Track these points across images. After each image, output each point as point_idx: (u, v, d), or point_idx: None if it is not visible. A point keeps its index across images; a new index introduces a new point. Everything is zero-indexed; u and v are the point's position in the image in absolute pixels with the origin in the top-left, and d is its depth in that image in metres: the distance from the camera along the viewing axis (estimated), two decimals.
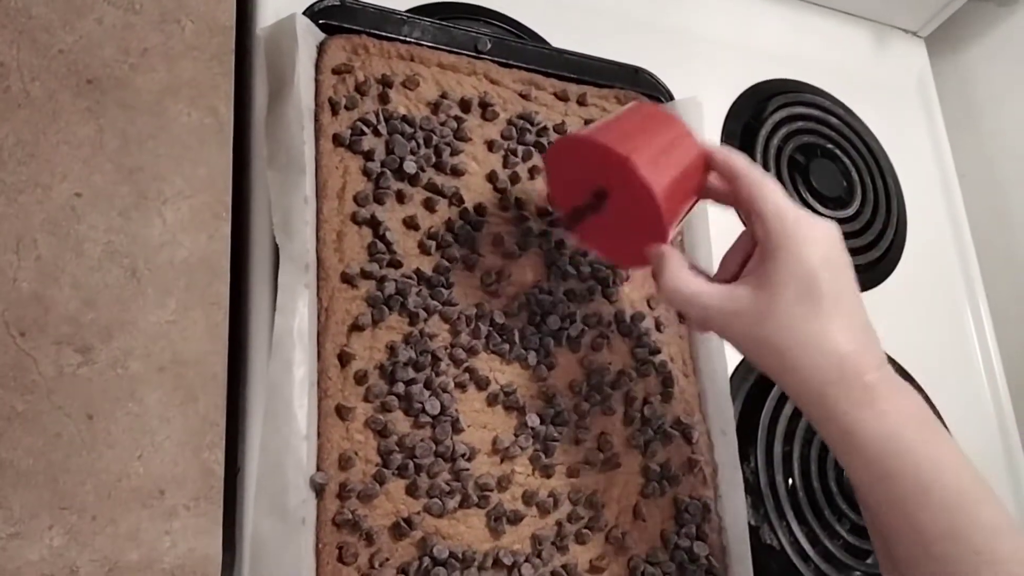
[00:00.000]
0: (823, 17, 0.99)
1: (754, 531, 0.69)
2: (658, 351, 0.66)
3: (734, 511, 0.65)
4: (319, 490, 0.53)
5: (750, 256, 0.56)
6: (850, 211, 0.89)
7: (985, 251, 0.97)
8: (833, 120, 0.92)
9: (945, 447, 0.50)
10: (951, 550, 0.47)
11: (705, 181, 0.56)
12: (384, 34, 0.64)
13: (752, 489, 0.70)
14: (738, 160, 0.54)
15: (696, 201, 0.57)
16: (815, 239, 0.51)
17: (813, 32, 0.98)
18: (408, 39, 0.65)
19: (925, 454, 0.49)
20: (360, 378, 0.56)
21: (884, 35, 1.03)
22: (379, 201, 0.60)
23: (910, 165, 0.97)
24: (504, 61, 0.68)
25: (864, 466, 0.50)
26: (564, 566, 0.58)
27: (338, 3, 0.63)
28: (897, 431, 0.49)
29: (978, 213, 0.99)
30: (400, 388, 0.57)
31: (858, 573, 0.73)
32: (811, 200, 0.87)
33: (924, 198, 0.96)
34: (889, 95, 1.00)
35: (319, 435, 0.54)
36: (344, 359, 0.56)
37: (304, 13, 0.61)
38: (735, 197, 0.54)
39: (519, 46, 0.70)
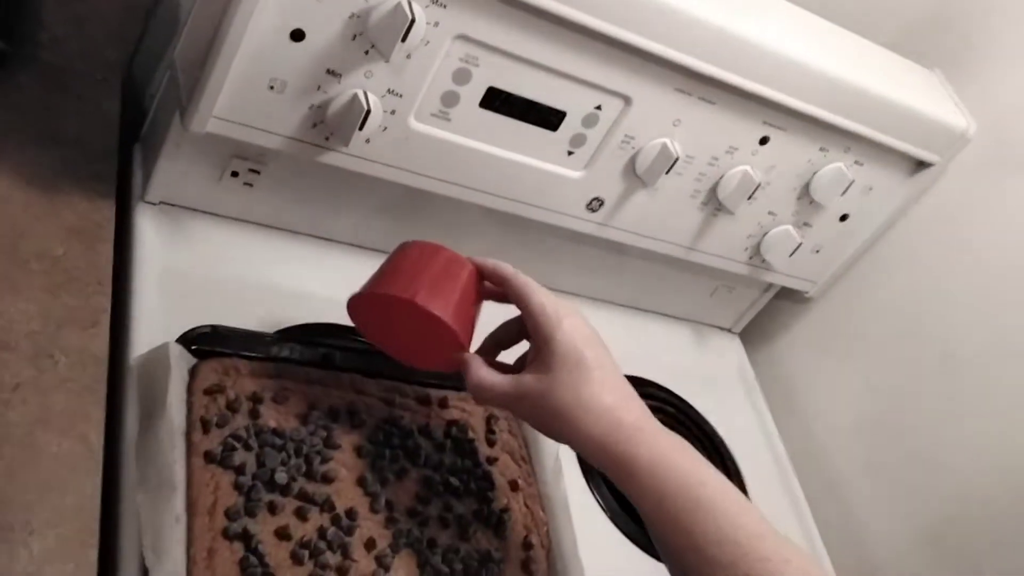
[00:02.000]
0: (650, 320, 1.10)
1: None
2: None
3: None
4: None
5: (519, 333, 0.68)
6: None
7: (824, 526, 1.04)
8: (670, 410, 1.00)
9: (707, 468, 0.60)
10: (723, 553, 0.55)
11: (482, 289, 0.68)
12: (254, 355, 0.68)
13: None
14: (504, 267, 0.67)
15: (480, 305, 0.69)
16: (573, 325, 0.63)
17: (643, 332, 1.08)
18: (277, 357, 0.69)
19: (690, 472, 0.59)
20: None
21: (703, 333, 1.15)
22: (251, 514, 0.61)
23: (744, 447, 1.04)
24: (367, 373, 0.73)
25: (643, 492, 0.59)
26: None
27: (209, 330, 0.68)
28: (665, 456, 0.59)
29: (813, 490, 1.06)
30: None
31: None
32: None
33: (761, 477, 1.03)
34: (716, 386, 1.09)
35: None
36: None
37: (177, 340, 0.65)
38: (507, 296, 0.66)
39: (381, 359, 0.75)
